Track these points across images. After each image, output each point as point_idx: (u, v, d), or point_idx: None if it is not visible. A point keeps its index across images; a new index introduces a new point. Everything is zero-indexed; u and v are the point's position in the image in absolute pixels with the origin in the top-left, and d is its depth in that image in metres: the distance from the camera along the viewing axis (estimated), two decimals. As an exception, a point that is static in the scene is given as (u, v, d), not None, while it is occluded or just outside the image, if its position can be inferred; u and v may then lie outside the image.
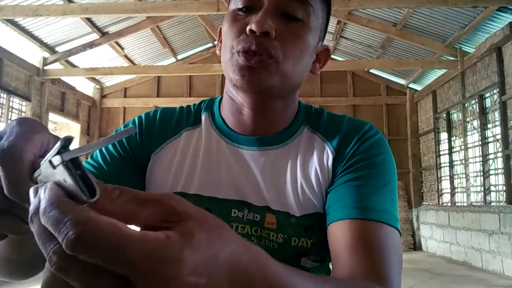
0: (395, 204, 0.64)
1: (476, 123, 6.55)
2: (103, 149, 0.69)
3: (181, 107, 0.76)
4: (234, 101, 0.69)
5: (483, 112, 6.33)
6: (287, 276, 0.32)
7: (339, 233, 0.59)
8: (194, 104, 0.77)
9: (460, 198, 7.17)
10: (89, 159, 0.69)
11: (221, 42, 0.71)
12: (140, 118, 0.73)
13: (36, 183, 0.31)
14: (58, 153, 0.27)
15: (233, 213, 0.66)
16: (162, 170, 0.69)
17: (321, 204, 0.66)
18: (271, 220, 0.65)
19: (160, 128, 0.72)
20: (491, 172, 6.12)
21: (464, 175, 6.93)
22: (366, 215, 0.59)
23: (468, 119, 6.84)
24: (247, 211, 0.66)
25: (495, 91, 5.96)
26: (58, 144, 0.28)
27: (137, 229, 0.26)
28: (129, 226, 0.25)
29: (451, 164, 7.40)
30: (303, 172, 0.67)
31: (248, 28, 0.61)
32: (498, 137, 5.85)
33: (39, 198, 0.26)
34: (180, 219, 0.27)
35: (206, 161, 0.68)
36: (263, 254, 0.31)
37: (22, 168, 0.32)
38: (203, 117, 0.74)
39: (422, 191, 8.67)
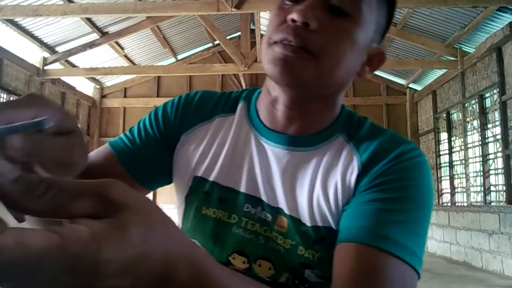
0: (420, 240, 0.54)
1: (476, 123, 6.55)
2: (141, 124, 0.70)
3: (223, 92, 0.76)
4: (270, 94, 0.65)
5: (483, 112, 6.33)
6: (228, 284, 0.31)
7: (343, 256, 0.52)
8: (237, 91, 0.76)
9: (460, 198, 7.17)
10: (127, 132, 0.70)
11: None
12: (180, 97, 0.74)
13: None
14: None
15: (245, 207, 0.64)
16: (189, 152, 0.68)
17: (335, 220, 0.61)
18: (282, 223, 0.62)
19: (196, 110, 0.71)
20: (491, 172, 6.12)
21: (464, 175, 6.94)
22: (378, 242, 0.50)
23: (468, 119, 6.84)
24: (260, 208, 0.64)
25: (495, 91, 5.96)
26: None
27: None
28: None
29: (451, 164, 7.40)
30: (322, 183, 0.62)
31: (289, 17, 0.57)
32: (498, 137, 5.85)
33: None
34: (116, 210, 0.25)
35: (231, 151, 0.67)
36: (205, 260, 0.30)
37: None
38: (239, 106, 0.71)
39: (422, 191, 8.66)
